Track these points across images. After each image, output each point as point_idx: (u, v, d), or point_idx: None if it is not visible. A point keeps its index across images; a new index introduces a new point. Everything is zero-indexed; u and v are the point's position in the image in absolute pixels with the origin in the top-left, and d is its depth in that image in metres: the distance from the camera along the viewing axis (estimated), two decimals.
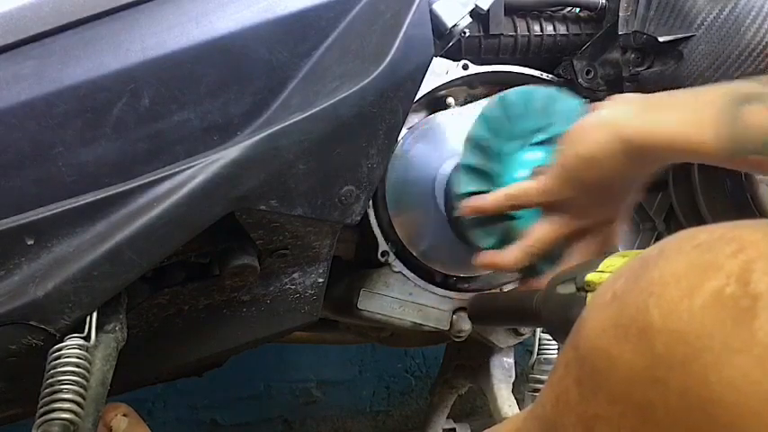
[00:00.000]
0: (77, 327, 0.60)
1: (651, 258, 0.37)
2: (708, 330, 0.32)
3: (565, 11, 0.97)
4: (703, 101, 0.59)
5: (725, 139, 0.56)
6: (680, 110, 0.60)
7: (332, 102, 0.68)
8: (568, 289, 0.59)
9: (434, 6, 0.78)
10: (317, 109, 0.68)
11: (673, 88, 0.83)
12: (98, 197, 0.62)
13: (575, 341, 0.39)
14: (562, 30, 0.95)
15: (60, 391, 0.56)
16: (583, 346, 0.38)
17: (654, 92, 0.86)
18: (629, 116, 0.64)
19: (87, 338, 0.60)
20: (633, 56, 0.89)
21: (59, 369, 0.57)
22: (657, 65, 0.87)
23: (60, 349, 0.59)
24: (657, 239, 1.05)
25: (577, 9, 0.96)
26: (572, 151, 0.68)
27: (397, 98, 0.72)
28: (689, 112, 0.59)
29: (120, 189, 0.62)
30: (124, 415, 0.73)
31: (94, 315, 0.61)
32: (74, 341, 0.60)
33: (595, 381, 0.37)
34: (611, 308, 0.37)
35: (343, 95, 0.69)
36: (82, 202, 0.61)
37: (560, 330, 0.61)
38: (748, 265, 0.32)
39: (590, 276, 0.57)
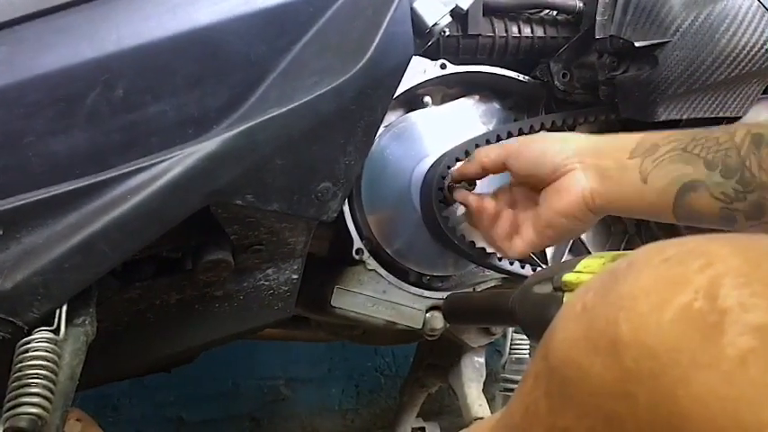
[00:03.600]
0: (46, 320, 0.59)
1: (620, 271, 0.36)
2: (676, 345, 0.32)
3: (542, 14, 0.97)
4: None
5: None
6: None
7: (310, 97, 0.68)
8: (545, 289, 0.59)
9: (415, 5, 0.78)
10: (296, 104, 0.67)
11: (648, 93, 0.86)
12: (70, 188, 0.61)
13: (544, 352, 0.39)
14: (539, 32, 0.95)
15: (28, 384, 0.55)
16: (553, 358, 0.38)
17: (630, 96, 0.87)
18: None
19: (56, 332, 0.59)
20: (609, 60, 0.90)
21: (28, 363, 0.56)
22: (633, 69, 0.88)
23: (29, 342, 0.58)
24: (628, 243, 1.06)
25: (555, 12, 0.97)
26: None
27: (376, 95, 0.72)
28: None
29: (93, 180, 0.61)
30: (77, 420, 0.72)
31: (64, 308, 0.60)
32: (43, 334, 0.58)
33: (565, 393, 0.36)
34: (582, 320, 0.36)
35: (322, 91, 0.68)
36: (53, 193, 0.60)
37: (536, 330, 0.61)
38: (716, 280, 0.32)
39: (567, 276, 0.57)
